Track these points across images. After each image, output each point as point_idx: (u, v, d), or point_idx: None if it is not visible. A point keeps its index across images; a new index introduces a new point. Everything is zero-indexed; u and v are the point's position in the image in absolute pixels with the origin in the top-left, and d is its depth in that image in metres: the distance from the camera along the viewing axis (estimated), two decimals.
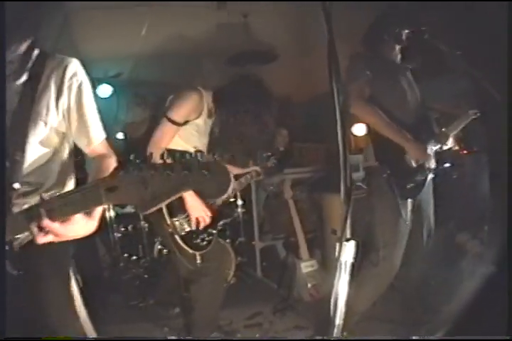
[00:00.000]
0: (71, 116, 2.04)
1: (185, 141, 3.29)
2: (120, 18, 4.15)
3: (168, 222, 3.35)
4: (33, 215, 1.55)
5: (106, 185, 1.32)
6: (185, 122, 3.20)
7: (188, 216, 3.32)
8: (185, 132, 3.27)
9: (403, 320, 3.70)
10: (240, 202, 5.41)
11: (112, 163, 2.14)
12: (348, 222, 1.66)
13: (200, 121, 3.29)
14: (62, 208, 1.50)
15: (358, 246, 1.70)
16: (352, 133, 3.85)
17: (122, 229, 5.34)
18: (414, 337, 3.40)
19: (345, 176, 1.66)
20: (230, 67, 4.91)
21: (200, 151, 1.23)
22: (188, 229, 3.37)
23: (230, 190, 1.19)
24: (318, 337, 3.55)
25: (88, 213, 1.72)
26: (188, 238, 3.40)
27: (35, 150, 2.02)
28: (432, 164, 3.41)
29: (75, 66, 2.03)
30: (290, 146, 5.26)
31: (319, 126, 4.44)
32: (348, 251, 1.67)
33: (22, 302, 2.09)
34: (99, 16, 4.05)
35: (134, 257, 5.36)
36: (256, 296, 4.71)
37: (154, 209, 1.26)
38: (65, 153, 2.19)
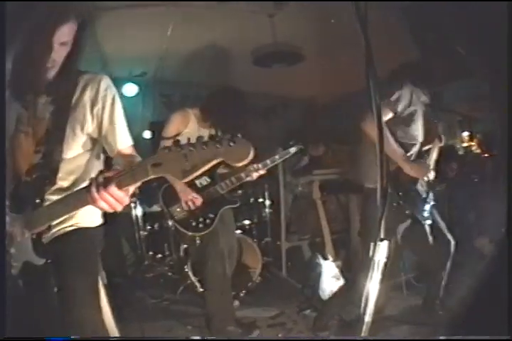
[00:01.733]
0: (103, 124, 2.27)
1: None
2: (145, 18, 4.19)
3: (165, 210, 4.00)
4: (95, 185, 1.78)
5: (152, 162, 1.64)
6: (177, 135, 3.73)
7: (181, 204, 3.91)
8: None
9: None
10: (268, 202, 5.53)
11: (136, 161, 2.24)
12: (383, 223, 1.67)
13: (189, 129, 3.83)
14: (121, 180, 1.76)
15: (390, 247, 1.72)
16: None
17: (148, 227, 5.40)
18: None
19: (381, 178, 1.67)
20: (257, 67, 4.93)
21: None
22: (182, 214, 3.95)
23: (250, 156, 1.50)
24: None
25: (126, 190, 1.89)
26: (185, 222, 3.95)
27: (73, 152, 2.28)
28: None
29: (107, 81, 2.29)
30: (304, 154, 5.28)
31: (345, 127, 4.45)
32: (381, 251, 1.69)
33: (45, 297, 2.23)
34: (123, 16, 4.09)
35: (160, 255, 5.43)
36: (280, 296, 4.72)
37: (193, 176, 1.58)
38: (97, 155, 2.44)
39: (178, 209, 3.96)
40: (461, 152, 4.20)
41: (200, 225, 3.93)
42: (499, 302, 2.08)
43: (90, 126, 2.26)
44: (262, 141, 4.54)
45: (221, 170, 4.06)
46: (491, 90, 3.51)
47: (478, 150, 4.24)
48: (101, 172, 1.83)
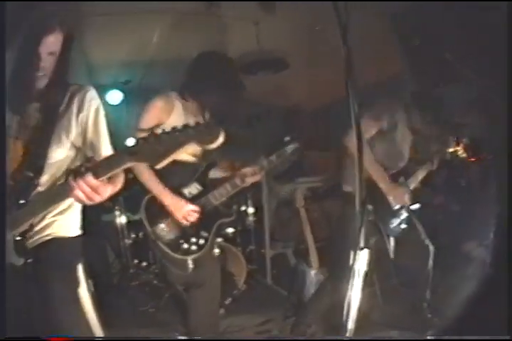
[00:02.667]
0: (87, 133, 2.35)
1: None
2: (131, 24, 4.18)
3: (149, 229, 3.33)
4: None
5: (129, 150, 1.70)
6: (157, 125, 2.82)
7: (171, 221, 3.30)
8: None
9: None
10: (251, 209, 5.42)
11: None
12: (363, 231, 1.68)
13: (173, 120, 3.25)
14: (97, 169, 1.83)
15: (371, 255, 1.73)
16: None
17: (133, 235, 5.29)
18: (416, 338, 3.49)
19: (360, 187, 1.69)
20: (242, 74, 4.94)
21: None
22: (171, 236, 3.33)
23: (221, 138, 1.61)
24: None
25: (112, 181, 2.05)
26: (175, 244, 3.32)
27: (56, 157, 2.31)
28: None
29: (93, 92, 2.37)
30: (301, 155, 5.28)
31: (329, 134, 4.48)
32: (361, 260, 1.70)
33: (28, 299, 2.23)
34: (109, 22, 4.08)
35: (144, 263, 5.37)
36: (266, 303, 4.74)
37: (167, 161, 1.66)
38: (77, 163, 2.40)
39: (165, 228, 3.32)
40: (447, 157, 4.21)
41: (193, 247, 3.32)
42: (499, 302, 2.10)
43: (74, 134, 2.32)
44: (246, 148, 4.59)
45: (213, 175, 3.55)
46: (479, 95, 3.57)
47: (464, 155, 4.25)
48: (80, 165, 1.92)
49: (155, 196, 3.25)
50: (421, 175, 3.80)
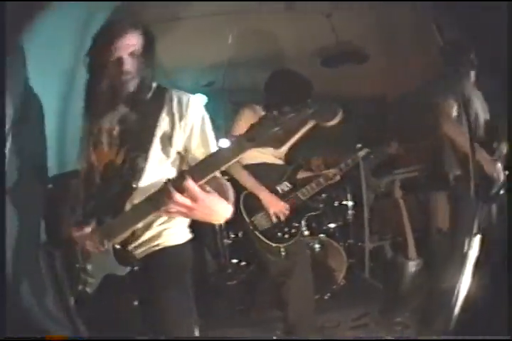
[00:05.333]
0: (192, 139, 2.27)
1: (259, 153, 3.60)
2: (202, 27, 4.24)
3: (248, 220, 3.76)
4: (169, 182, 1.76)
5: (246, 137, 1.64)
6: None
7: (266, 213, 3.72)
8: None
9: None
10: (350, 203, 5.50)
11: (225, 182, 2.18)
12: (477, 219, 1.66)
13: None
14: (204, 169, 1.74)
15: (483, 241, 1.70)
16: None
17: (232, 235, 5.37)
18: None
19: (473, 171, 1.66)
20: (325, 68, 4.92)
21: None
22: (267, 226, 3.76)
23: (339, 116, 1.55)
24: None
25: (227, 198, 1.92)
26: (269, 233, 3.76)
27: (157, 164, 2.27)
28: None
29: (195, 98, 2.34)
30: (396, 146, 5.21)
31: (414, 125, 4.43)
32: (474, 246, 1.67)
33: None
34: (179, 27, 4.15)
35: (243, 263, 5.42)
36: (363, 297, 4.72)
37: (290, 143, 1.82)
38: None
39: (262, 219, 3.78)
40: None
41: (286, 235, 3.80)
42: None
43: (177, 141, 2.27)
44: (336, 142, 4.58)
45: (300, 176, 3.99)
46: None
47: None
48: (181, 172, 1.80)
49: (251, 192, 3.69)
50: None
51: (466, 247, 1.66)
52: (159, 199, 1.79)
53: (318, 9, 4.21)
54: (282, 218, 3.73)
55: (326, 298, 4.71)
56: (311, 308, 3.91)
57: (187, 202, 1.72)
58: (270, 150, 3.44)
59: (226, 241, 5.36)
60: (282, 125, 1.58)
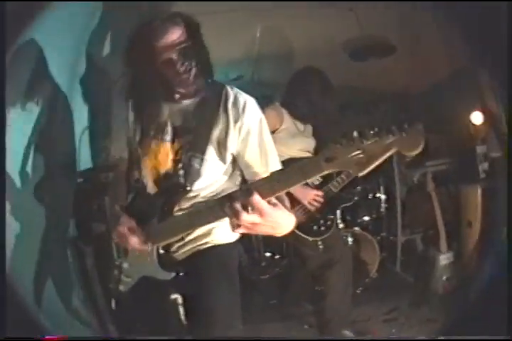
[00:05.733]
0: (248, 143, 2.17)
1: (285, 148, 3.56)
2: (229, 22, 4.22)
3: None
4: (235, 196, 1.71)
5: (324, 156, 1.58)
6: (273, 132, 3.43)
7: (301, 207, 3.66)
8: (280, 139, 3.50)
9: None
10: (383, 196, 5.44)
11: None
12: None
13: (285, 126, 3.67)
14: (273, 186, 1.67)
15: None
16: (470, 122, 3.83)
17: None
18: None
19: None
20: (353, 61, 4.88)
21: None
22: (302, 220, 3.66)
23: (422, 145, 1.49)
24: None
25: (288, 207, 1.87)
26: (305, 227, 3.71)
27: (212, 165, 2.19)
28: None
29: (253, 100, 2.23)
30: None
31: (440, 116, 4.37)
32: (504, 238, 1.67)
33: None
34: (207, 21, 4.17)
35: (277, 256, 5.40)
36: (394, 291, 4.70)
37: (369, 169, 1.56)
38: (235, 178, 2.33)
39: (297, 214, 3.61)
40: None
41: (322, 228, 3.79)
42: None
43: (232, 143, 2.16)
44: None
45: None
46: None
47: None
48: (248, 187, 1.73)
49: None
50: None
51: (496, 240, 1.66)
52: (223, 211, 1.73)
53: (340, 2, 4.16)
54: (318, 205, 3.69)
55: (358, 291, 4.70)
56: (347, 302, 3.91)
57: (253, 219, 1.68)
58: (296, 144, 3.56)
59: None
60: (364, 149, 1.53)
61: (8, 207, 2.29)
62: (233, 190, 1.82)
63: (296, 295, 4.64)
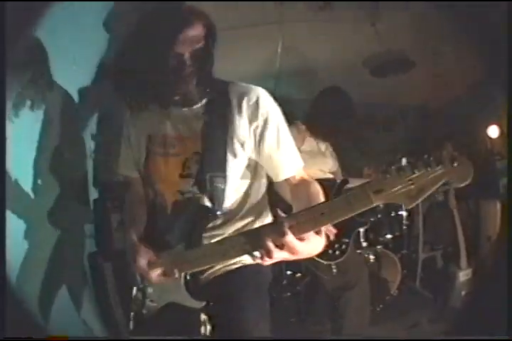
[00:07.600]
0: (263, 147, 2.02)
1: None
2: (252, 36, 4.27)
3: None
4: (267, 232, 1.61)
5: (373, 188, 1.51)
6: None
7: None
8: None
9: None
10: (404, 213, 5.29)
11: (317, 186, 2.03)
12: None
13: (307, 147, 3.66)
14: (311, 221, 1.58)
15: None
16: (487, 136, 3.82)
17: None
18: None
19: None
20: (374, 77, 4.90)
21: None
22: None
23: (471, 177, 1.47)
24: None
25: (318, 231, 1.67)
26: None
27: (235, 177, 2.06)
28: None
29: (269, 97, 2.05)
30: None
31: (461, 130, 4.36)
32: None
33: None
34: (228, 36, 4.19)
35: (298, 275, 5.23)
36: (414, 308, 4.62)
37: (419, 201, 1.49)
38: (261, 183, 2.22)
39: None
40: None
41: (337, 252, 3.67)
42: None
43: (248, 146, 2.03)
44: (385, 153, 4.55)
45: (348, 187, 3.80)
46: None
47: None
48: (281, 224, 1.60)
49: None
50: None
51: None
52: (256, 244, 1.63)
53: (362, 18, 4.20)
54: (331, 237, 3.47)
55: (378, 309, 4.62)
56: (366, 321, 3.91)
57: (284, 256, 1.60)
58: (316, 164, 3.56)
59: None
60: (414, 180, 1.47)
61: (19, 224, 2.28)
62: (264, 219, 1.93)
63: (316, 314, 4.58)
